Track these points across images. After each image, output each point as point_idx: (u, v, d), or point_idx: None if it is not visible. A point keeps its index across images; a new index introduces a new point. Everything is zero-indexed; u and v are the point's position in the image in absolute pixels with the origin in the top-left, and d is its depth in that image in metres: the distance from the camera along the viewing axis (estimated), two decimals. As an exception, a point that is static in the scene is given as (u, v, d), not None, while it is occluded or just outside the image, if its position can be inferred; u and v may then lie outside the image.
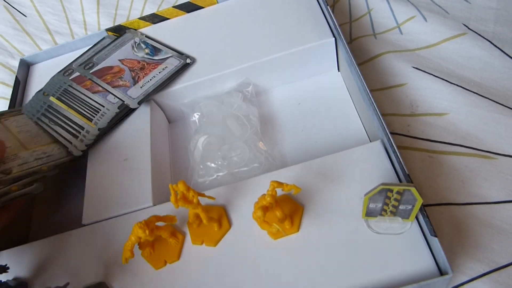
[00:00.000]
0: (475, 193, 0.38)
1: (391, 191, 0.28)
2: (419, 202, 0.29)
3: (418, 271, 0.31)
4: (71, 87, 0.49)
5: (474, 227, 0.36)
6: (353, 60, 0.42)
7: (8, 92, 0.62)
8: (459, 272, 0.34)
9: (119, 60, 0.50)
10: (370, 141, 0.43)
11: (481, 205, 0.37)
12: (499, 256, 0.34)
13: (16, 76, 0.54)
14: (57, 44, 0.66)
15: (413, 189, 0.28)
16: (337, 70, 0.50)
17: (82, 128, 0.45)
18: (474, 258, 0.34)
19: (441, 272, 0.31)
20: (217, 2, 0.55)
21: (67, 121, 0.46)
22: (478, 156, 0.40)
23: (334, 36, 0.46)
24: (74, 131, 0.45)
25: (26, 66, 0.57)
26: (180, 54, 0.49)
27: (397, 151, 0.35)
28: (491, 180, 0.38)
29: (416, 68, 0.46)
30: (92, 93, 0.47)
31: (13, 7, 0.75)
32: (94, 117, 0.46)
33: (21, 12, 0.74)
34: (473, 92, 0.43)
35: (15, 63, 0.65)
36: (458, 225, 0.36)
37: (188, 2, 0.54)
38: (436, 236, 0.30)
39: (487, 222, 0.36)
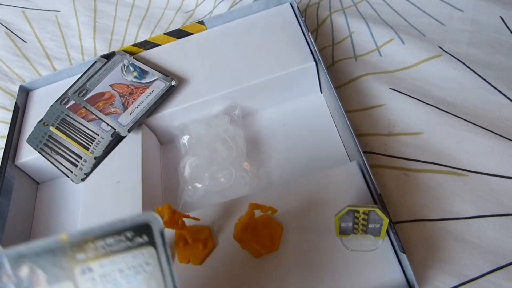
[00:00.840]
0: (448, 209, 0.40)
1: (358, 211, 0.31)
2: (386, 221, 0.31)
3: (389, 285, 0.33)
4: (68, 116, 0.52)
5: (446, 242, 0.38)
6: (331, 83, 0.44)
7: (8, 116, 0.64)
8: (430, 285, 0.36)
9: (110, 85, 0.53)
10: (350, 161, 0.45)
11: (454, 220, 0.39)
12: (469, 269, 0.36)
13: (15, 102, 0.57)
14: (55, 69, 0.69)
15: (377, 210, 0.30)
16: (319, 92, 0.52)
17: (80, 157, 0.48)
18: (446, 272, 0.36)
19: (410, 286, 0.32)
20: (206, 29, 0.58)
21: (66, 151, 0.49)
22: (451, 174, 0.42)
23: (315, 60, 0.49)
24: (73, 160, 0.48)
25: (25, 92, 0.60)
26: (166, 76, 0.52)
27: (370, 172, 0.37)
28: (463, 196, 0.40)
29: (394, 89, 0.49)
30: (87, 121, 0.50)
31: (14, 33, 0.78)
32: (90, 145, 0.48)
33: (22, 38, 0.77)
34: (446, 112, 0.45)
35: (15, 88, 0.68)
36: (431, 240, 0.38)
37: (179, 29, 0.57)
38: (404, 253, 0.32)
39: (459, 237, 0.38)
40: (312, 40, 0.48)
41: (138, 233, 0.21)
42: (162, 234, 0.21)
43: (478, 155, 0.42)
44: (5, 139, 0.63)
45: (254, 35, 0.54)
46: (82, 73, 0.57)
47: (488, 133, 0.43)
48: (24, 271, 0.20)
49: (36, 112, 0.57)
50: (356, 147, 0.39)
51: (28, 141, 0.53)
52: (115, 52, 0.57)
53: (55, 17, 0.79)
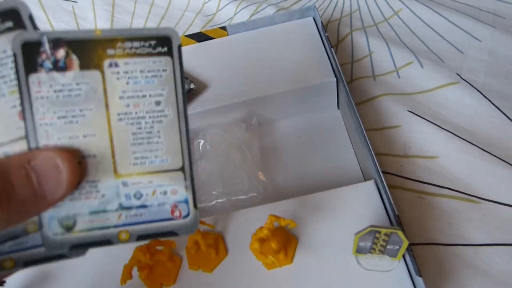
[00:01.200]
0: (460, 235, 0.40)
1: (379, 232, 0.31)
2: (405, 244, 0.31)
3: (402, 307, 0.33)
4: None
5: (457, 266, 0.39)
6: (352, 101, 0.44)
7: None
8: (441, 310, 0.36)
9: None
10: (365, 179, 0.45)
11: (465, 246, 0.40)
12: (479, 297, 0.36)
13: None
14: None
15: (399, 232, 0.30)
16: (336, 108, 0.53)
17: None
18: (455, 298, 0.37)
19: (423, 310, 0.33)
20: (227, 34, 0.58)
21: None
22: (464, 200, 0.42)
23: (336, 76, 0.49)
24: None
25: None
26: (185, 78, 0.52)
27: (388, 193, 0.37)
28: (475, 223, 0.41)
29: (411, 112, 0.49)
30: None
31: (28, 21, 0.77)
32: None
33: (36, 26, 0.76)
34: (462, 138, 0.46)
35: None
36: (443, 264, 0.39)
37: (200, 32, 0.57)
38: (420, 276, 0.32)
39: (470, 263, 0.38)
40: (334, 55, 0.48)
41: (160, 43, 0.24)
42: (179, 48, 0.25)
43: (491, 184, 0.43)
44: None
45: (275, 45, 0.55)
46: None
47: (502, 162, 0.44)
48: (61, 52, 0.23)
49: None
50: (375, 166, 0.40)
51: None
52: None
53: (72, 7, 0.78)
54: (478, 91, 0.49)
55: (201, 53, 0.57)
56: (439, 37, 0.56)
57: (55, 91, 0.24)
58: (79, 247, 0.25)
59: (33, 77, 0.23)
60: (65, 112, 0.24)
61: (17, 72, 0.23)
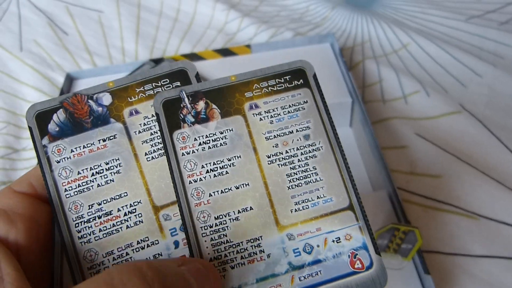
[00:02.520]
0: (461, 246, 0.44)
1: (398, 230, 0.35)
2: (419, 243, 0.35)
3: (411, 302, 0.37)
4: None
5: (458, 274, 0.42)
6: (368, 119, 0.49)
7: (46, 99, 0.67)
8: (443, 311, 0.40)
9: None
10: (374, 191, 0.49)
11: (465, 256, 0.44)
12: (477, 302, 0.40)
13: (61, 88, 0.60)
14: (96, 63, 0.73)
15: (416, 231, 0.34)
16: (349, 126, 0.57)
17: None
18: (456, 301, 0.40)
19: (430, 306, 0.36)
20: (251, 52, 0.63)
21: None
22: (464, 216, 0.46)
23: (351, 97, 0.54)
24: None
25: (70, 80, 0.63)
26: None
27: (401, 202, 0.41)
28: (474, 237, 0.45)
29: (418, 135, 0.54)
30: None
31: (56, 25, 0.81)
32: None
33: (63, 30, 0.80)
34: (464, 161, 0.51)
35: (54, 75, 0.71)
36: (444, 271, 0.43)
37: (226, 48, 0.62)
38: (429, 274, 0.36)
39: (469, 272, 0.42)
40: (351, 78, 0.53)
41: (294, 76, 0.24)
42: (315, 77, 0.24)
43: (489, 203, 0.47)
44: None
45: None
46: (129, 72, 0.61)
47: (499, 185, 0.48)
48: (201, 104, 0.23)
49: (78, 100, 0.60)
50: (388, 178, 0.44)
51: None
52: (163, 58, 0.61)
53: (98, 16, 0.83)
54: (479, 121, 0.54)
55: (225, 67, 0.61)
56: (444, 70, 0.62)
57: (200, 144, 0.23)
58: None
59: (177, 134, 0.23)
60: (213, 165, 0.22)
61: (161, 131, 0.23)
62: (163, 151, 0.23)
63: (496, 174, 0.49)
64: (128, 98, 0.23)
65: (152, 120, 0.23)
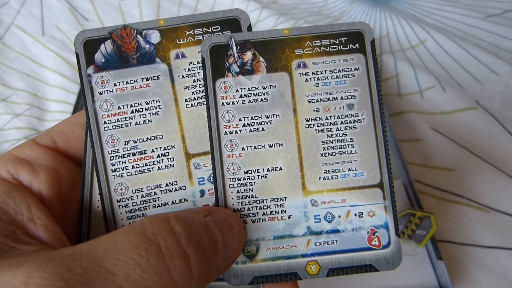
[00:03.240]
0: (472, 237, 0.45)
1: (414, 215, 0.36)
2: (434, 229, 0.37)
3: (424, 286, 0.38)
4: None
5: (467, 263, 0.44)
6: (386, 112, 0.50)
7: (68, 83, 0.69)
8: (453, 297, 0.41)
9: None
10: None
11: (476, 247, 0.45)
12: (487, 290, 0.42)
13: (85, 71, 0.62)
14: (116, 51, 0.74)
15: (432, 217, 0.35)
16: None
17: None
18: (466, 288, 0.42)
19: (442, 290, 0.38)
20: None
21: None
22: (476, 208, 0.48)
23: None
24: None
25: (93, 65, 0.65)
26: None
27: (416, 192, 0.42)
28: (485, 229, 0.46)
29: (433, 129, 0.55)
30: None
31: (77, 11, 0.83)
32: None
33: (84, 16, 0.82)
34: (477, 156, 0.52)
35: (75, 60, 0.73)
36: (455, 260, 0.44)
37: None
38: (442, 260, 0.37)
39: (479, 261, 0.44)
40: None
41: (351, 39, 0.22)
42: (372, 44, 0.22)
43: (501, 197, 0.48)
44: (65, 104, 0.67)
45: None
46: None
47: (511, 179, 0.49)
48: (248, 55, 0.22)
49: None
50: (404, 169, 0.45)
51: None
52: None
53: (119, 4, 0.84)
54: (494, 117, 0.55)
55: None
56: (460, 67, 0.63)
57: (241, 96, 0.22)
58: (261, 280, 0.21)
59: (220, 82, 0.22)
60: (250, 120, 0.22)
61: (204, 77, 0.22)
62: (203, 100, 0.23)
63: (509, 169, 0.50)
64: (177, 40, 0.23)
65: (197, 67, 0.23)
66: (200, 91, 0.23)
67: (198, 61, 0.23)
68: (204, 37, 0.22)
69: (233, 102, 0.22)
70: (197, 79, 0.23)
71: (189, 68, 0.23)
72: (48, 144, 0.23)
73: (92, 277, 0.15)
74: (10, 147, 0.62)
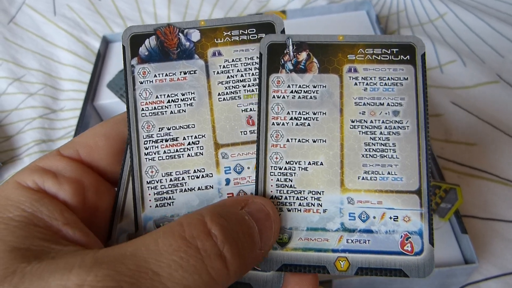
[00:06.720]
0: (495, 211, 0.45)
1: (439, 188, 0.35)
2: (460, 202, 0.36)
3: (448, 260, 0.38)
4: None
5: (491, 238, 0.43)
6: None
7: (81, 62, 0.68)
8: (476, 272, 0.41)
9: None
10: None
11: (499, 221, 0.44)
12: (510, 263, 0.41)
13: (98, 49, 0.61)
14: (129, 29, 0.73)
15: (458, 188, 0.35)
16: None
17: None
18: (490, 262, 0.41)
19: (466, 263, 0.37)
20: (286, 18, 0.63)
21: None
22: (499, 183, 0.47)
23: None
24: None
25: (106, 43, 0.64)
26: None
27: (439, 166, 0.42)
28: (508, 203, 0.45)
29: (453, 103, 0.54)
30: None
31: (88, -10, 0.82)
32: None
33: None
34: (500, 130, 0.51)
35: (88, 39, 0.72)
36: (478, 234, 0.43)
37: (261, 14, 0.62)
38: (466, 233, 0.37)
39: (503, 236, 0.43)
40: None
41: (402, 51, 0.24)
42: (423, 57, 0.23)
43: (525, 172, 0.47)
44: (78, 83, 0.66)
45: (330, 32, 0.59)
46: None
47: (536, 154, 0.48)
48: (303, 55, 0.24)
49: (115, 62, 0.61)
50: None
51: (108, 86, 0.57)
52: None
53: (130, -18, 0.83)
54: (516, 91, 0.54)
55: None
56: (481, 40, 0.61)
57: (291, 92, 0.23)
58: (290, 268, 0.22)
59: (273, 77, 0.24)
60: (298, 114, 0.23)
61: (260, 70, 0.24)
62: (235, 95, 0.24)
63: (533, 143, 0.49)
64: (215, 39, 0.24)
65: (231, 64, 0.24)
66: (232, 86, 0.24)
67: (233, 59, 0.24)
68: (239, 38, 0.24)
69: (283, 96, 0.23)
70: (230, 75, 0.24)
71: (224, 65, 0.24)
72: (71, 156, 0.23)
73: (140, 278, 0.16)
74: (25, 126, 0.62)
